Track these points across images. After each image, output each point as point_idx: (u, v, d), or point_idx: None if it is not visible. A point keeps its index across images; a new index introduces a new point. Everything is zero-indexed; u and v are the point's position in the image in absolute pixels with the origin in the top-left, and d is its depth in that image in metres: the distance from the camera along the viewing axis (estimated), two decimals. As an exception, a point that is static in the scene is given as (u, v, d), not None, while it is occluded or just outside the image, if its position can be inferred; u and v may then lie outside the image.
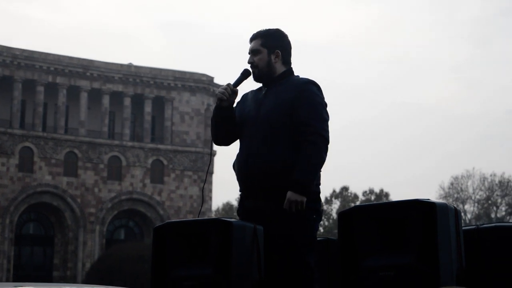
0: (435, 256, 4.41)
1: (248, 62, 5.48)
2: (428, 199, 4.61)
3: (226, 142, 5.59)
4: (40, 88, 58.21)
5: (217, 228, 4.87)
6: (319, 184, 5.29)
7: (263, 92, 5.44)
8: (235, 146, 5.60)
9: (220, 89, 5.41)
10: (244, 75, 5.48)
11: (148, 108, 61.61)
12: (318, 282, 5.09)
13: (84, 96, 59.56)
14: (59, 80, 58.83)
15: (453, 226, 4.58)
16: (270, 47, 5.43)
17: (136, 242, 54.00)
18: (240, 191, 5.45)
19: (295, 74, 5.52)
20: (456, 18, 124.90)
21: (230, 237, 4.78)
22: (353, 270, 4.67)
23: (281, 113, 5.25)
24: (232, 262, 4.76)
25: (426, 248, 4.46)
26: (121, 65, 62.01)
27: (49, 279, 56.16)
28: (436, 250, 4.42)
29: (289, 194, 5.01)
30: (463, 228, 5.02)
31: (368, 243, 4.66)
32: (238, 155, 5.44)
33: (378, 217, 4.71)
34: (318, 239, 5.35)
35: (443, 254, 4.45)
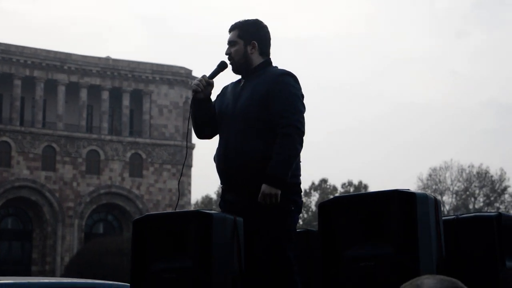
0: (415, 246, 4.42)
1: (226, 54, 5.47)
2: (408, 189, 4.62)
3: (208, 136, 5.58)
4: (17, 82, 57.83)
5: (197, 220, 4.85)
6: (299, 175, 5.27)
7: (241, 85, 5.43)
8: (216, 138, 5.60)
9: (195, 81, 5.41)
10: (221, 67, 5.47)
11: (126, 101, 61.39)
12: (298, 274, 5.09)
13: (61, 90, 59.23)
14: (36, 73, 58.47)
15: (433, 216, 4.59)
16: (247, 38, 5.42)
17: (115, 236, 53.80)
18: (221, 184, 5.44)
19: (274, 65, 5.51)
20: (437, 10, 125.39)
21: (210, 229, 4.77)
22: (334, 261, 4.67)
23: (257, 106, 5.24)
24: (213, 254, 4.74)
25: (406, 238, 4.47)
26: (99, 58, 61.74)
27: (27, 274, 55.86)
28: (416, 240, 4.43)
29: (263, 187, 5.00)
30: (444, 218, 5.04)
31: (349, 234, 4.67)
32: (217, 149, 5.43)
33: (358, 208, 4.72)
34: (298, 230, 5.35)
35: (423, 244, 4.46)
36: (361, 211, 4.69)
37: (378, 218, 4.60)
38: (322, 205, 4.90)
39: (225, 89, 5.62)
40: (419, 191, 4.60)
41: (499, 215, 5.15)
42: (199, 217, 4.85)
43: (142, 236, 5.03)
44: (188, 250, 4.84)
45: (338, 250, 4.67)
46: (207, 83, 5.38)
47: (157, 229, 4.99)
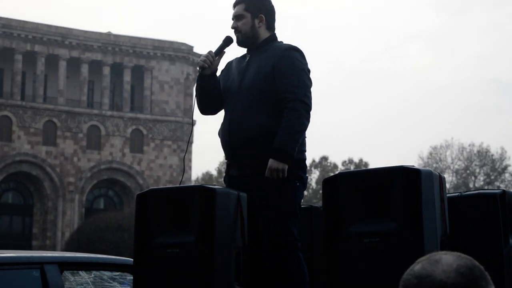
0: (420, 222, 4.41)
1: (232, 27, 5.43)
2: (413, 166, 4.61)
3: (212, 111, 5.56)
4: (18, 57, 57.73)
5: (200, 195, 4.84)
6: (304, 150, 5.26)
7: (246, 60, 5.41)
8: (217, 115, 5.58)
9: (201, 57, 5.38)
10: (226, 42, 5.45)
11: (127, 77, 61.32)
12: (301, 250, 5.09)
13: (62, 65, 59.14)
14: (37, 48, 58.37)
15: (437, 193, 4.58)
16: (254, 11, 5.39)
17: (115, 212, 53.95)
18: (225, 159, 5.43)
19: (279, 40, 5.49)
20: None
21: (213, 204, 4.75)
22: (337, 237, 4.66)
23: (263, 81, 5.22)
24: (216, 229, 4.73)
25: (411, 214, 4.46)
26: (100, 33, 61.60)
27: (28, 248, 56.07)
28: (421, 217, 4.42)
29: (271, 162, 4.98)
30: (448, 195, 5.03)
31: (353, 210, 4.65)
32: (222, 124, 5.41)
33: (363, 184, 4.70)
34: (302, 206, 5.34)
35: (428, 220, 4.45)
36: (366, 187, 4.67)
37: (382, 194, 4.58)
38: (326, 181, 4.88)
39: (229, 64, 5.60)
40: (424, 168, 4.58)
41: (503, 193, 5.15)
42: (202, 192, 4.84)
43: (145, 211, 5.02)
44: (192, 225, 4.83)
45: (342, 226, 4.66)
46: (213, 59, 5.36)
47: (160, 204, 4.98)
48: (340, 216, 4.67)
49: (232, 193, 4.90)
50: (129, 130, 60.95)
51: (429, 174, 4.54)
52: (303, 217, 5.35)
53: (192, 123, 5.81)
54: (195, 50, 63.28)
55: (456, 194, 5.22)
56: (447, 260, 1.91)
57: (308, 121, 5.15)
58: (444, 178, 4.75)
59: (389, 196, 4.55)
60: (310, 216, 5.62)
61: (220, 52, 5.43)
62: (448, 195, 5.06)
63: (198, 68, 5.42)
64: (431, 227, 4.46)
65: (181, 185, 5.18)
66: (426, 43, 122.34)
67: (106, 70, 60.63)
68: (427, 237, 4.41)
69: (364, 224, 4.59)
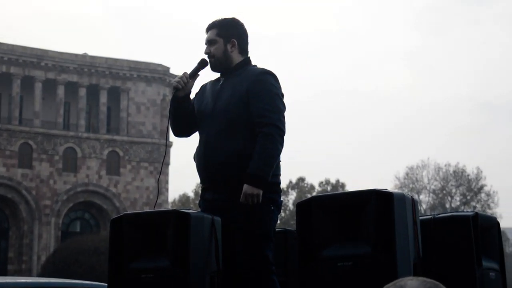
0: (393, 246, 4.44)
1: (205, 53, 5.46)
2: (386, 189, 4.63)
3: (186, 133, 5.57)
4: (-6, 79, 57.42)
5: (175, 219, 4.84)
6: (279, 174, 5.27)
7: (220, 83, 5.42)
8: (193, 137, 5.59)
9: (176, 79, 5.40)
10: (201, 64, 5.47)
11: (103, 98, 61.11)
12: (276, 273, 5.09)
13: (38, 87, 58.86)
14: (13, 70, 58.06)
15: (410, 216, 4.61)
16: (226, 36, 5.41)
17: (92, 234, 53.55)
18: (200, 183, 5.44)
19: (253, 64, 5.51)
20: (416, 5, 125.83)
21: (188, 228, 4.75)
22: (311, 260, 4.68)
23: (237, 105, 5.24)
24: (190, 254, 4.73)
25: (384, 238, 4.48)
26: (76, 55, 61.41)
27: (3, 273, 55.47)
28: (394, 240, 4.45)
29: (245, 187, 4.99)
30: (421, 218, 5.06)
31: (326, 234, 4.67)
32: (197, 148, 5.42)
33: (336, 208, 4.73)
34: (276, 230, 5.35)
35: (401, 244, 4.48)
36: (339, 210, 4.70)
37: (355, 217, 4.61)
38: (299, 205, 4.90)
39: (203, 87, 5.61)
40: (397, 191, 4.62)
41: (476, 215, 5.19)
42: (176, 217, 4.84)
43: (119, 236, 5.01)
44: (166, 250, 4.82)
45: (316, 249, 4.67)
46: (188, 80, 5.37)
47: (134, 229, 4.97)
48: (313, 240, 4.69)
49: (206, 217, 4.90)
50: (106, 152, 60.68)
51: (401, 197, 4.57)
52: (278, 241, 5.36)
53: (166, 145, 5.75)
54: (172, 71, 63.26)
55: (429, 216, 5.26)
56: (412, 285, 1.94)
57: (282, 145, 5.17)
58: (417, 201, 4.78)
59: (362, 220, 4.58)
60: (285, 240, 5.63)
61: (194, 74, 5.45)
62: (421, 217, 5.09)
63: (172, 90, 5.43)
64: (404, 250, 4.49)
65: (155, 210, 5.17)
66: (405, 64, 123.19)
67: (82, 92, 60.40)
68: (400, 260, 4.44)
69: (337, 248, 4.61)
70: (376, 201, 4.55)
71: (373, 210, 4.55)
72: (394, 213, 4.48)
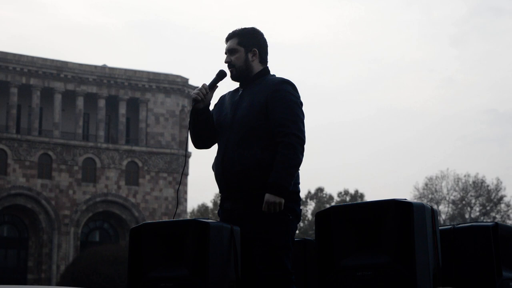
0: (412, 256, 4.43)
1: (225, 62, 5.45)
2: (405, 199, 4.62)
3: (206, 145, 5.57)
4: (14, 90, 57.80)
5: (194, 229, 4.85)
6: (298, 183, 5.27)
7: (239, 94, 5.43)
8: (212, 147, 5.59)
9: (195, 91, 5.40)
10: (220, 76, 5.46)
11: (122, 109, 61.37)
12: (295, 283, 5.09)
13: (58, 98, 59.21)
14: (33, 81, 58.46)
15: (429, 226, 4.60)
16: (247, 45, 5.41)
17: (111, 244, 53.70)
18: (220, 192, 5.44)
19: (272, 73, 5.52)
20: (433, 17, 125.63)
21: (207, 238, 4.76)
22: (331, 270, 4.67)
23: (256, 115, 5.24)
24: (209, 263, 4.74)
25: (403, 248, 4.47)
26: (95, 66, 61.74)
27: (23, 282, 55.71)
28: (413, 250, 4.43)
29: (267, 196, 4.99)
30: (440, 228, 5.04)
31: (345, 243, 4.67)
32: (216, 158, 5.42)
33: (355, 217, 4.72)
34: (296, 239, 5.34)
35: (420, 254, 4.46)
36: (358, 220, 4.69)
37: (375, 227, 4.60)
38: (319, 214, 4.90)
39: (222, 98, 5.62)
40: (416, 201, 4.60)
41: (496, 225, 5.16)
42: (196, 226, 4.85)
43: (139, 245, 5.02)
44: (185, 259, 4.84)
45: (335, 259, 4.67)
46: (207, 92, 5.37)
47: (154, 238, 4.99)
48: (332, 250, 4.69)
49: (226, 227, 4.91)
50: (125, 162, 60.89)
51: (421, 207, 4.56)
52: (297, 250, 5.36)
53: (186, 155, 5.79)
54: (190, 82, 63.47)
55: (449, 226, 5.24)
56: None
57: (303, 155, 5.17)
58: (436, 211, 4.76)
59: (382, 230, 4.57)
60: (304, 249, 5.63)
61: (213, 85, 5.45)
62: (441, 227, 5.08)
63: (191, 102, 5.43)
64: (424, 260, 4.48)
65: (174, 219, 5.18)
66: (422, 74, 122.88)
67: (102, 103, 60.70)
68: (419, 270, 4.42)
69: (356, 258, 4.60)
70: (395, 211, 4.54)
71: (392, 220, 4.54)
72: (414, 223, 4.47)
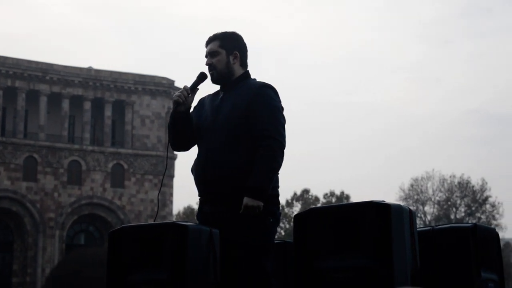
0: (390, 257, 4.44)
1: (206, 64, 5.46)
2: (383, 201, 4.64)
3: (185, 147, 5.56)
4: (-2, 92, 57.58)
5: (172, 232, 4.84)
6: (277, 186, 5.28)
7: (220, 97, 5.43)
8: (196, 149, 5.59)
9: (176, 93, 5.39)
10: (200, 78, 5.46)
11: (108, 112, 61.23)
12: (275, 285, 5.09)
13: (43, 100, 59.01)
14: (18, 84, 58.23)
15: (407, 227, 4.61)
16: (229, 48, 5.42)
17: (96, 247, 53.54)
18: (199, 196, 5.43)
19: (252, 77, 5.52)
20: (421, 18, 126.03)
21: (185, 241, 4.75)
22: (308, 272, 4.68)
23: (237, 118, 5.24)
24: (188, 266, 4.73)
25: (381, 249, 4.48)
26: (81, 68, 61.56)
27: (8, 286, 55.50)
28: (391, 252, 4.44)
29: (246, 199, 5.00)
30: (419, 229, 5.06)
31: (323, 245, 4.67)
32: (195, 161, 5.42)
33: (334, 219, 4.73)
34: (275, 242, 5.34)
35: (398, 255, 4.47)
36: (337, 222, 4.70)
37: (353, 229, 4.61)
38: (297, 217, 4.91)
39: (202, 101, 5.61)
40: (394, 203, 4.62)
41: (475, 226, 5.19)
42: (174, 229, 4.84)
43: (118, 248, 5.01)
44: (164, 262, 4.82)
45: (313, 261, 4.67)
46: (188, 94, 5.36)
47: (132, 241, 4.98)
48: (310, 252, 4.69)
49: (204, 230, 4.90)
50: (110, 164, 60.73)
51: (399, 209, 4.58)
52: (277, 253, 5.36)
53: (167, 157, 5.78)
54: (176, 84, 63.38)
55: (428, 228, 5.26)
56: None
57: (282, 158, 5.18)
58: (414, 212, 4.78)
59: (360, 231, 4.58)
60: (284, 252, 5.63)
61: (194, 88, 5.44)
62: (420, 229, 5.10)
63: (172, 104, 5.43)
64: (402, 261, 4.49)
65: (154, 222, 5.17)
66: (409, 75, 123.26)
67: (87, 105, 60.53)
68: (397, 271, 4.44)
69: (334, 260, 4.61)
70: (373, 213, 4.56)
71: (370, 222, 4.55)
72: (392, 225, 4.48)
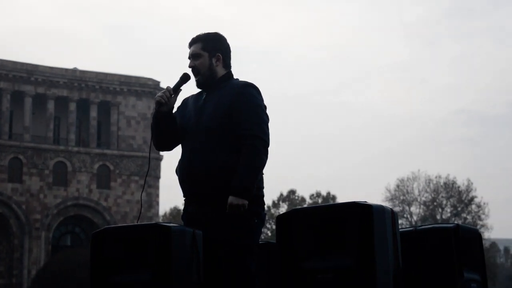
0: (372, 258, 4.46)
1: (189, 67, 5.45)
2: (365, 202, 4.65)
3: (168, 147, 5.56)
4: (-17, 93, 57.35)
5: (156, 233, 4.84)
6: (262, 187, 5.28)
7: (203, 98, 5.43)
8: (178, 150, 5.59)
9: (159, 93, 5.39)
10: (183, 79, 5.46)
11: (93, 113, 61.09)
12: (259, 286, 5.09)
13: (28, 101, 58.81)
14: (2, 85, 58.01)
15: (389, 228, 4.63)
16: (211, 50, 5.42)
17: (82, 248, 53.40)
18: (183, 196, 5.43)
19: (235, 77, 5.53)
20: (405, 19, 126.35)
21: (169, 242, 4.75)
22: (292, 273, 4.69)
23: (221, 118, 5.25)
24: (171, 267, 4.73)
25: (363, 250, 4.50)
26: (66, 69, 61.40)
27: (-7, 287, 55.28)
28: (373, 252, 4.46)
29: (231, 198, 5.00)
30: (402, 229, 5.08)
31: (306, 246, 4.69)
32: (180, 161, 5.42)
33: (316, 220, 4.74)
34: (259, 243, 5.35)
35: (380, 255, 4.49)
36: (319, 223, 4.71)
37: (335, 230, 4.62)
38: (280, 217, 4.92)
39: (185, 101, 5.61)
40: (376, 203, 4.64)
41: (457, 227, 5.22)
42: (157, 230, 4.84)
43: (101, 249, 5.01)
44: (147, 263, 4.82)
45: (296, 262, 4.68)
46: (171, 95, 5.36)
47: (116, 242, 4.97)
48: (294, 253, 4.70)
49: (188, 231, 4.90)
50: (96, 166, 60.60)
51: (381, 210, 4.60)
52: (260, 253, 5.36)
53: (149, 157, 5.78)
54: (162, 85, 63.31)
55: (411, 228, 5.29)
56: None
57: (267, 157, 5.19)
58: (396, 213, 4.80)
59: (342, 232, 4.60)
60: (267, 252, 5.63)
61: (177, 89, 5.44)
62: (402, 229, 5.12)
63: (155, 105, 5.43)
64: (384, 262, 4.51)
65: (137, 223, 5.17)
66: (395, 75, 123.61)
67: (72, 106, 60.37)
68: (379, 272, 4.46)
69: (317, 260, 4.62)
70: (355, 214, 4.57)
71: (352, 223, 4.57)
72: (373, 226, 4.50)
